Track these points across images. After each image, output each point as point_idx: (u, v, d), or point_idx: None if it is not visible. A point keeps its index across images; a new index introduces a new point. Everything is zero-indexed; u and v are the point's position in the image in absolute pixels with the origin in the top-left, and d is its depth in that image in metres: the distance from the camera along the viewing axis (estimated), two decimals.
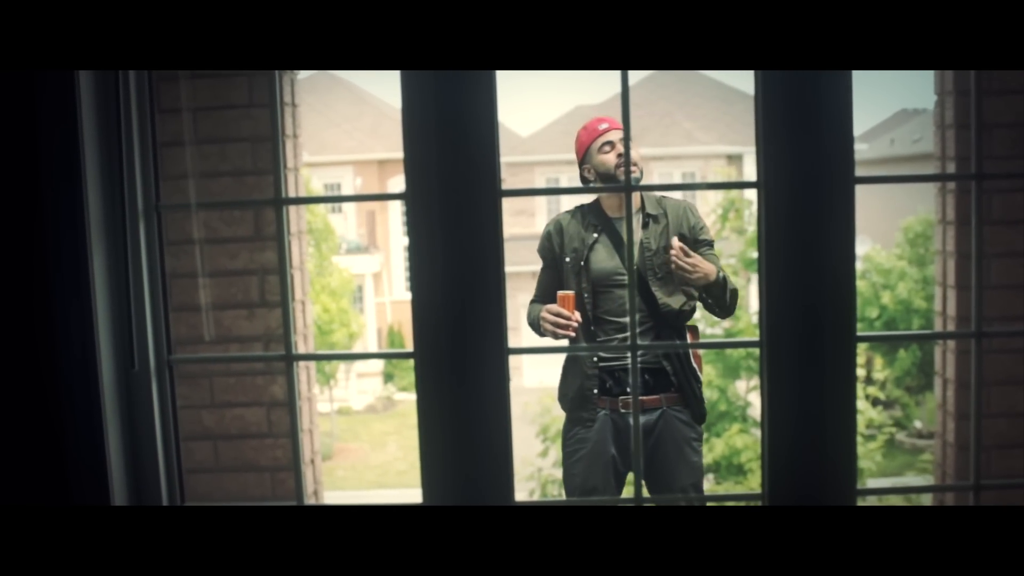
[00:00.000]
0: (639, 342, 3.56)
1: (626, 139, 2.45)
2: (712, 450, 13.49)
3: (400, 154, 2.29)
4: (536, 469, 14.14)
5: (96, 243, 2.33)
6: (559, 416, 14.71)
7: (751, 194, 16.02)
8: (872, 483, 14.49)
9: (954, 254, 3.32)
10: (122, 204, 2.38)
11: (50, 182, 2.28)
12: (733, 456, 13.40)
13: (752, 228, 15.44)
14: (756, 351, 13.94)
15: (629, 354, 3.65)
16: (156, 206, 2.44)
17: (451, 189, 2.26)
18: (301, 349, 3.52)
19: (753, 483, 12.97)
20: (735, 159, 17.47)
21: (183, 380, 3.33)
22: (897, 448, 19.11)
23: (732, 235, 15.68)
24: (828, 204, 2.23)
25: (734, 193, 15.76)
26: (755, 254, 14.70)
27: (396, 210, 30.27)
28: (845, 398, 2.28)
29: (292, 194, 3.40)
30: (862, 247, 21.96)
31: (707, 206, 16.62)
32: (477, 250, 2.27)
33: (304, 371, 3.53)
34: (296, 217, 3.50)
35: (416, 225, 2.28)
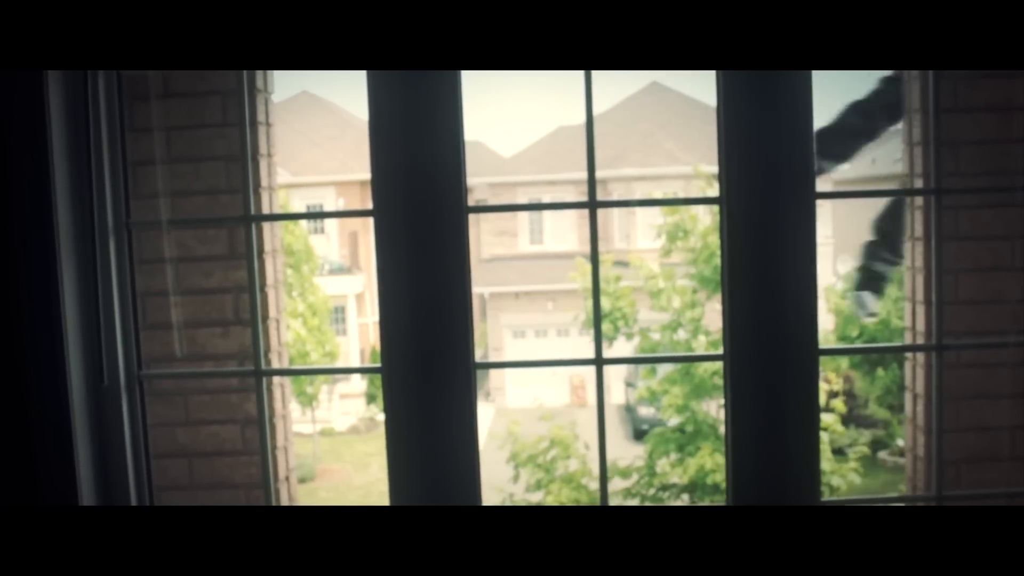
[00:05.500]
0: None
1: (590, 148, 2.38)
2: (686, 471, 13.36)
3: None
4: (508, 495, 13.95)
5: (66, 259, 2.33)
6: (526, 442, 14.41)
7: (701, 212, 15.95)
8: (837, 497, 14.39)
9: (922, 269, 3.35)
10: (92, 220, 2.38)
11: (20, 198, 2.28)
12: (707, 476, 13.23)
13: (701, 245, 15.24)
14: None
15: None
16: (126, 223, 2.45)
17: (417, 205, 2.28)
18: (276, 367, 3.52)
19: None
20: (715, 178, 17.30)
21: (157, 398, 3.32)
22: (879, 466, 19.11)
23: (683, 254, 15.44)
24: (789, 218, 2.26)
25: (680, 216, 15.48)
26: (709, 272, 14.65)
27: None
28: (808, 410, 2.30)
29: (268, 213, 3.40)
30: (843, 266, 22.04)
31: (653, 230, 16.34)
32: (444, 265, 2.29)
33: (279, 388, 3.52)
34: (270, 235, 3.50)
35: (384, 241, 2.30)
